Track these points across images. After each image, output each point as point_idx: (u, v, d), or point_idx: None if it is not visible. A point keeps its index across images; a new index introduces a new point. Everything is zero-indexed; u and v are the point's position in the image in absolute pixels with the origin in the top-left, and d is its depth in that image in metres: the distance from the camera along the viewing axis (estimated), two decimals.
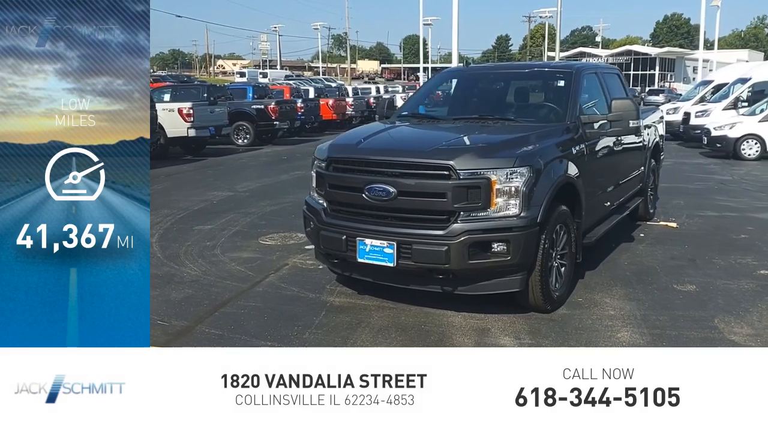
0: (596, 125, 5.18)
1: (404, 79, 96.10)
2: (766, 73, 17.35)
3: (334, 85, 29.83)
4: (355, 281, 5.14)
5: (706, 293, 5.03)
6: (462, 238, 4.13)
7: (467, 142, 4.57)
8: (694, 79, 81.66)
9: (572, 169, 4.73)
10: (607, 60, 75.29)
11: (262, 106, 18.52)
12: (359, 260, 4.45)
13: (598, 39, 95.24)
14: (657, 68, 72.98)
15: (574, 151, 4.87)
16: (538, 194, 4.26)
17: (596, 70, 6.01)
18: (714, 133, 14.98)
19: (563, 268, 4.74)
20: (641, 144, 6.78)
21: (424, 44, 49.76)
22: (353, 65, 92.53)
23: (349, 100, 25.38)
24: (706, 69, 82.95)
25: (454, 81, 6.30)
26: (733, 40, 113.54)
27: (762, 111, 15.01)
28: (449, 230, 4.15)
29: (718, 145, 15.03)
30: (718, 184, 11.10)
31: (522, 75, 6.11)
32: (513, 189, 4.15)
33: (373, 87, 33.59)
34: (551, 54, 66.20)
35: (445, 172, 4.17)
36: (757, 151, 14.55)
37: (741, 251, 6.24)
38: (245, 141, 18.29)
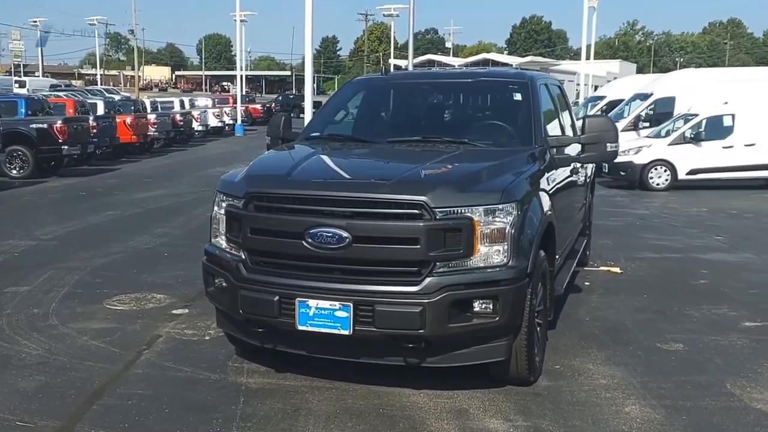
0: (566, 150, 5.43)
1: (207, 89, 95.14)
2: (669, 88, 19.46)
3: (117, 97, 28.48)
4: (263, 355, 4.93)
5: (699, 353, 5.38)
6: (440, 296, 4.03)
7: (435, 173, 4.53)
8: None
9: (548, 206, 4.91)
10: (462, 69, 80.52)
11: (45, 126, 17.21)
12: (300, 328, 4.22)
13: (449, 45, 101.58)
14: None
15: (547, 183, 5.05)
16: (526, 238, 4.32)
17: (545, 81, 6.33)
18: (617, 159, 16.42)
19: (538, 329, 4.86)
20: (584, 174, 7.24)
21: (230, 46, 49.20)
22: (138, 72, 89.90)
23: (151, 117, 24.58)
24: (573, 83, 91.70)
25: (370, 94, 6.30)
26: (600, 49, 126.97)
27: (671, 132, 16.77)
28: (424, 286, 4.05)
29: (622, 173, 16.46)
30: (638, 219, 12.18)
31: (466, 86, 6.19)
32: (499, 231, 4.16)
33: (176, 100, 32.83)
34: (398, 62, 69.23)
35: (416, 211, 4.08)
36: (666, 180, 16.16)
37: (710, 300, 6.81)
38: (21, 171, 16.89)
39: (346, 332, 4.14)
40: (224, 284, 4.54)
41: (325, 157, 5.06)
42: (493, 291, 4.14)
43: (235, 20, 42.22)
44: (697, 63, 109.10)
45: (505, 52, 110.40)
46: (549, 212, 4.81)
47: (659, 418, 4.26)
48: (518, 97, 5.67)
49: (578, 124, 5.66)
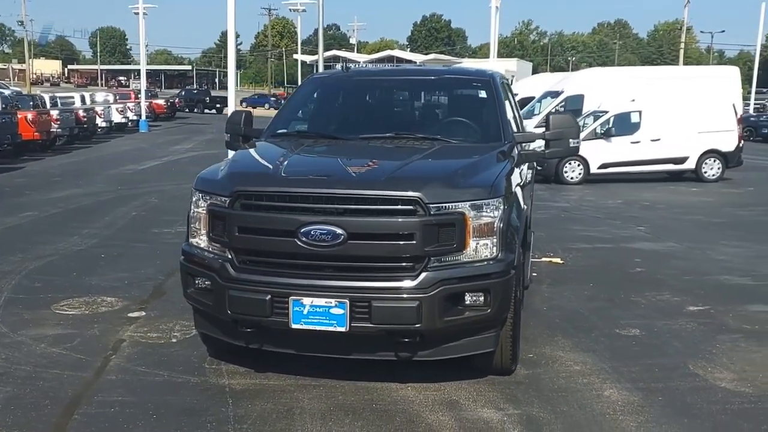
0: (532, 145, 5.60)
1: (102, 84, 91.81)
2: (578, 86, 20.27)
3: (7, 92, 27.16)
4: (238, 355, 4.88)
5: (656, 337, 5.65)
6: (436, 291, 4.09)
7: (426, 169, 4.58)
8: None
9: (523, 200, 5.03)
10: (366, 66, 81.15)
11: None
12: (293, 326, 4.18)
13: (353, 41, 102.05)
14: None
15: (519, 177, 5.19)
16: (512, 231, 4.42)
17: (502, 78, 6.48)
18: None
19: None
20: (533, 168, 7.46)
21: (125, 39, 47.44)
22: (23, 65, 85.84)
23: (54, 113, 23.51)
24: None
25: (334, 90, 6.27)
26: (497, 47, 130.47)
27: (582, 129, 17.51)
28: (420, 281, 4.10)
29: (539, 167, 17.08)
30: (562, 212, 12.66)
31: (431, 83, 6.26)
32: (488, 226, 4.25)
33: (76, 96, 31.51)
34: (306, 58, 68.90)
35: (411, 207, 4.12)
36: (580, 174, 16.90)
37: (651, 287, 7.16)
38: None
39: (342, 329, 4.13)
40: (208, 285, 4.44)
41: (306, 154, 5.01)
42: (484, 284, 4.23)
43: (136, 13, 40.77)
44: (588, 62, 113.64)
45: (407, 49, 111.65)
46: (525, 206, 4.95)
47: (637, 400, 4.47)
48: (483, 94, 5.79)
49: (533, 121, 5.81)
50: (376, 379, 4.66)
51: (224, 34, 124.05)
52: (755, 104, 50.00)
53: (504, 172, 4.71)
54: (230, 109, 14.86)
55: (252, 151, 5.21)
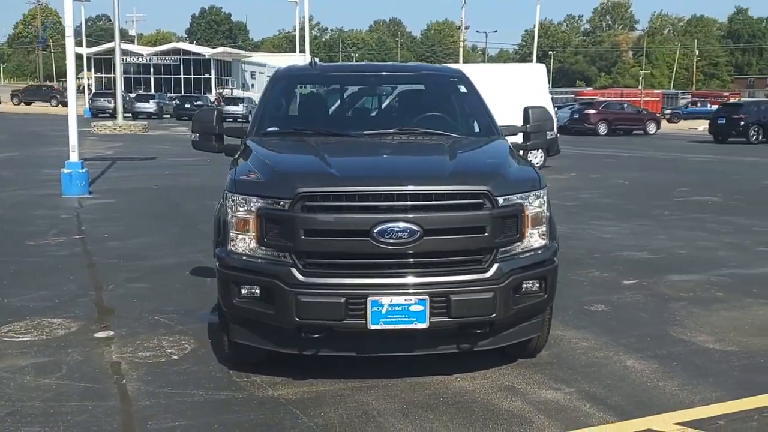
0: (513, 138, 5.84)
1: None
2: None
3: None
4: (259, 366, 4.72)
5: (622, 310, 6.15)
6: (507, 281, 4.21)
7: (476, 162, 4.64)
8: (252, 85, 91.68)
9: None
10: (150, 59, 77.49)
11: None
12: (372, 327, 4.08)
13: (133, 33, 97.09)
14: (213, 72, 78.18)
15: None
16: (553, 220, 4.68)
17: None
18: None
19: None
20: None
21: None
22: None
23: None
24: (263, 75, 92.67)
25: (313, 87, 6.12)
26: (281, 42, 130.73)
27: None
28: (493, 272, 4.19)
29: None
30: None
31: (412, 79, 6.26)
32: (539, 216, 4.44)
33: None
34: (85, 51, 64.36)
35: (480, 200, 4.21)
36: None
37: (578, 266, 7.69)
38: None
39: (422, 326, 4.11)
40: (266, 292, 4.18)
41: (339, 152, 4.86)
42: (542, 271, 4.42)
43: None
44: (369, 59, 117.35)
45: (188, 41, 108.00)
46: None
47: (659, 367, 4.89)
48: (463, 89, 5.93)
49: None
50: (416, 374, 4.67)
51: None
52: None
53: (524, 162, 4.93)
54: (71, 106, 13.66)
55: (270, 150, 4.94)
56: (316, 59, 6.21)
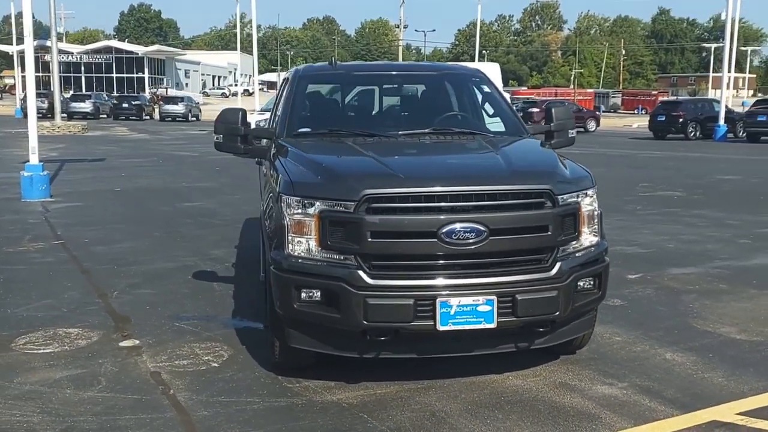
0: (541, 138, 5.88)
1: None
2: None
3: None
4: (302, 370, 4.66)
5: (638, 304, 6.27)
6: (570, 279, 4.24)
7: (532, 161, 4.66)
8: (187, 84, 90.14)
9: None
10: (81, 57, 75.20)
11: None
12: (441, 329, 4.04)
13: (61, 30, 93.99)
14: (147, 70, 76.44)
15: None
16: (602, 218, 4.73)
17: None
18: None
19: None
20: None
21: None
22: None
23: None
24: (198, 73, 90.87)
25: (338, 87, 6.05)
26: (212, 40, 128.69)
27: None
28: (557, 271, 4.21)
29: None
30: None
31: (434, 78, 6.20)
32: (591, 214, 4.48)
33: None
34: (8, 48, 61.75)
35: (542, 200, 4.23)
36: None
37: None
38: None
39: (490, 326, 4.10)
40: (331, 295, 4.10)
41: (392, 153, 4.80)
42: (598, 269, 4.46)
43: None
44: (303, 57, 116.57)
45: (117, 39, 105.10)
46: None
47: (697, 359, 5.01)
48: (486, 88, 5.95)
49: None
50: (468, 374, 4.67)
51: None
52: None
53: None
54: (30, 102, 13.12)
55: (317, 152, 4.84)
56: (336, 58, 6.07)
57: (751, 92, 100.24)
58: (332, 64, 6.06)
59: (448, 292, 4.06)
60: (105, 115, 50.91)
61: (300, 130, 5.34)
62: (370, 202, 4.05)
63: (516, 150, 4.96)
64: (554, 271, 4.21)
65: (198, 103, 52.02)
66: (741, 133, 31.00)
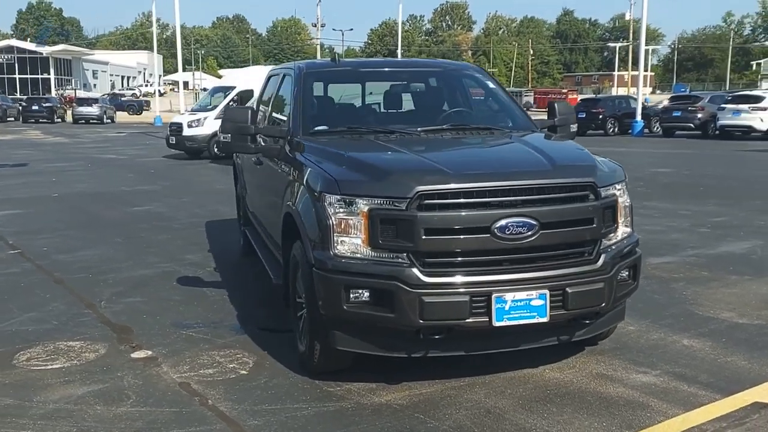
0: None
1: None
2: (248, 81, 20.95)
3: None
4: (335, 373, 4.58)
5: (636, 295, 6.01)
6: (614, 270, 4.31)
7: (570, 155, 4.70)
8: (95, 85, 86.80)
9: None
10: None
11: None
12: (496, 324, 4.03)
13: None
14: (52, 71, 73.25)
15: None
16: (632, 210, 4.82)
17: None
18: (186, 133, 20.55)
19: None
20: None
21: None
22: None
23: None
24: (106, 73, 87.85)
25: (350, 84, 5.98)
26: (118, 39, 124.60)
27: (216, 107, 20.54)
28: (602, 263, 4.27)
29: (189, 144, 20.41)
30: None
31: (441, 75, 6.18)
32: (626, 205, 4.58)
33: None
34: None
35: (587, 193, 4.27)
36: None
37: None
38: None
39: (543, 320, 4.12)
40: (383, 295, 4.02)
41: (428, 150, 4.77)
42: (634, 260, 4.56)
43: None
44: (214, 56, 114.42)
45: (11, 37, 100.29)
46: None
47: (711, 343, 5.19)
48: (492, 84, 5.98)
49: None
50: (503, 369, 4.69)
51: None
52: None
53: None
54: None
55: (350, 149, 4.73)
56: (338, 54, 5.96)
57: (651, 89, 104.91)
58: (335, 60, 5.96)
59: (502, 287, 4.05)
60: (12, 118, 48.50)
61: (317, 128, 5.22)
62: (423, 199, 4.00)
63: (547, 145, 4.98)
64: (599, 263, 4.27)
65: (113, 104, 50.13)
66: (656, 128, 32.39)
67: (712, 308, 6.03)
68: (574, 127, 5.97)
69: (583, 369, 4.75)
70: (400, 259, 4.04)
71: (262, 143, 5.58)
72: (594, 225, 4.24)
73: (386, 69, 6.38)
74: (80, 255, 8.36)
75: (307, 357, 4.58)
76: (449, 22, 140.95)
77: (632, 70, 79.81)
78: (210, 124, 20.09)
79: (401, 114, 5.71)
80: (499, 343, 4.38)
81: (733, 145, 25.07)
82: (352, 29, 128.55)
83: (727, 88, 76.54)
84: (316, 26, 57.77)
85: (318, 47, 62.10)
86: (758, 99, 27.92)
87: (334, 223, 4.13)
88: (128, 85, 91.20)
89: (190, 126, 20.93)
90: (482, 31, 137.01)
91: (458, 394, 4.37)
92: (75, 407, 4.23)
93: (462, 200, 4.04)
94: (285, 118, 5.75)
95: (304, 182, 4.57)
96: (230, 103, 20.05)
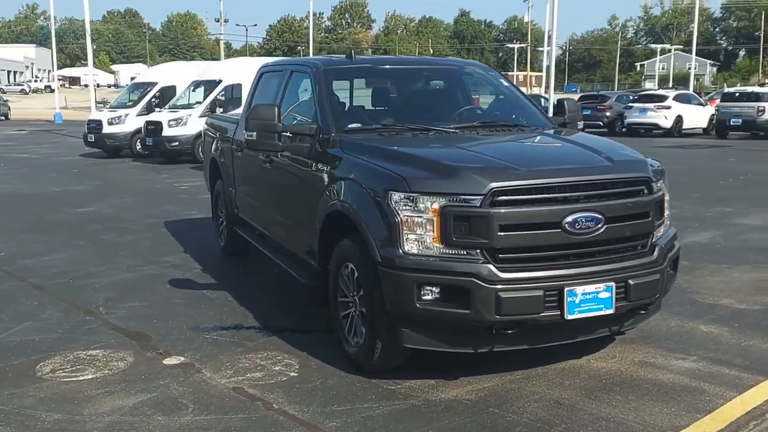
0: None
1: None
2: (235, 75, 20.29)
3: None
4: (389, 371, 4.56)
5: None
6: (666, 262, 4.48)
7: (621, 151, 4.81)
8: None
9: None
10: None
11: None
12: (569, 318, 4.10)
13: None
14: None
15: None
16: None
17: None
18: (107, 131, 19.95)
19: None
20: None
21: None
22: None
23: None
24: None
25: (370, 82, 5.99)
26: (1, 32, 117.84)
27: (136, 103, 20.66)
28: (656, 255, 4.42)
29: (109, 141, 20.09)
30: None
31: (455, 73, 6.19)
32: (665, 199, 4.76)
33: None
34: None
35: (642, 188, 4.41)
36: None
37: None
38: None
39: (609, 311, 4.23)
40: (457, 291, 4.03)
41: (484, 146, 4.84)
42: (677, 252, 4.76)
43: None
44: (107, 50, 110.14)
45: None
46: None
47: (727, 328, 5.48)
48: (505, 83, 6.07)
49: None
50: (548, 362, 4.77)
51: None
52: None
53: None
54: None
55: (405, 146, 4.70)
56: (354, 52, 5.91)
57: (544, 89, 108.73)
58: (350, 57, 5.89)
59: (573, 281, 4.14)
60: None
61: (350, 126, 5.15)
62: (497, 196, 4.03)
63: (591, 141, 5.07)
64: (655, 255, 4.43)
65: (7, 100, 47.26)
66: None
67: (710, 296, 6.34)
68: (581, 125, 6.15)
69: (625, 358, 4.91)
70: (473, 256, 4.05)
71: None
72: (649, 218, 4.40)
73: (406, 66, 6.34)
74: (47, 260, 7.90)
75: (364, 356, 4.52)
76: (349, 20, 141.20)
77: (530, 71, 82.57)
78: (194, 123, 17.83)
79: (429, 111, 5.69)
80: (561, 336, 4.46)
81: (640, 141, 26.24)
82: (256, 25, 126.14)
83: (615, 88, 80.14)
84: (219, 21, 56.41)
85: (221, 43, 60.73)
86: (662, 98, 29.47)
87: (402, 220, 4.10)
88: (15, 81, 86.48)
89: (110, 123, 20.11)
90: (382, 29, 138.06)
91: (521, 387, 4.43)
92: (134, 419, 4.02)
93: (534, 196, 4.10)
94: (301, 117, 5.65)
95: (355, 179, 4.51)
96: (217, 98, 18.67)
